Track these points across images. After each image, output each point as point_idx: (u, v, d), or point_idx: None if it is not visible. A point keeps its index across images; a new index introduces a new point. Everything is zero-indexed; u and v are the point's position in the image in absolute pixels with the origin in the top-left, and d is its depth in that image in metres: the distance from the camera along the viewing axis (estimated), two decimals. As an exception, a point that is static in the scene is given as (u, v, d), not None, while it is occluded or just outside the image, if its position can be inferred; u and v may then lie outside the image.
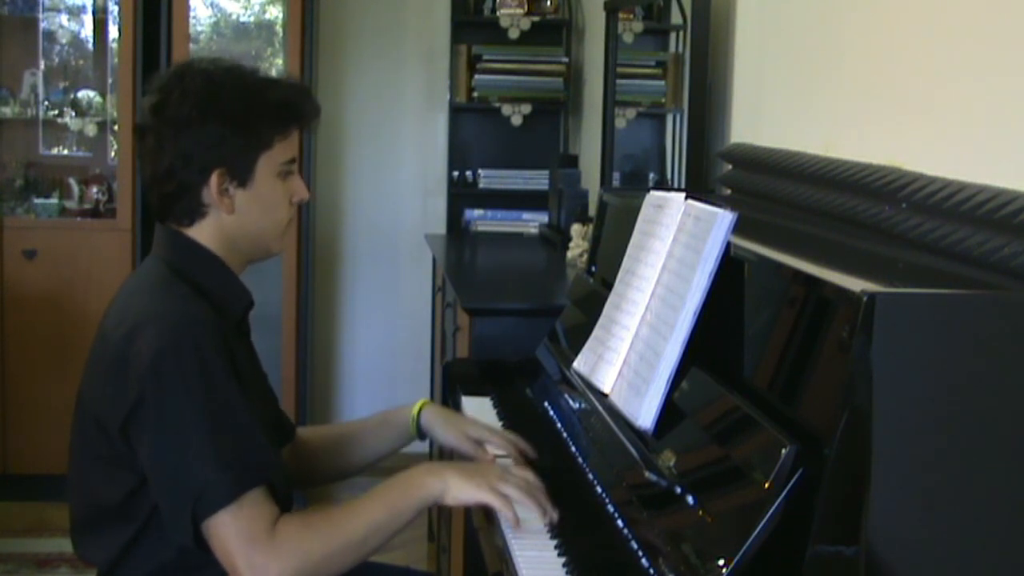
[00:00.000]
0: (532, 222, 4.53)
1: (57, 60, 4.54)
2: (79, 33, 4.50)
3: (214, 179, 1.70)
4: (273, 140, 1.73)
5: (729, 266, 1.63)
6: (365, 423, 2.10)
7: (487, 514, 1.79)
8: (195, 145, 1.68)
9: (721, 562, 1.28)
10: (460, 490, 1.67)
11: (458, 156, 4.65)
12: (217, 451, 1.57)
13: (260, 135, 1.72)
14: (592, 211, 3.52)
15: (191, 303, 1.66)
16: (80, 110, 4.40)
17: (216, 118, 1.68)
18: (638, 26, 3.83)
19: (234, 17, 4.79)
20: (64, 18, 4.41)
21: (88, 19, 4.47)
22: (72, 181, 4.40)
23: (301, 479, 2.01)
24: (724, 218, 1.63)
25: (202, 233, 1.74)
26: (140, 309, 1.66)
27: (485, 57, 4.56)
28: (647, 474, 1.58)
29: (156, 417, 1.59)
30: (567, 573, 1.54)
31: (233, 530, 1.57)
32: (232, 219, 1.73)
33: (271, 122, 1.72)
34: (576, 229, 3.49)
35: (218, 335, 1.63)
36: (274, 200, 1.75)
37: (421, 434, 2.02)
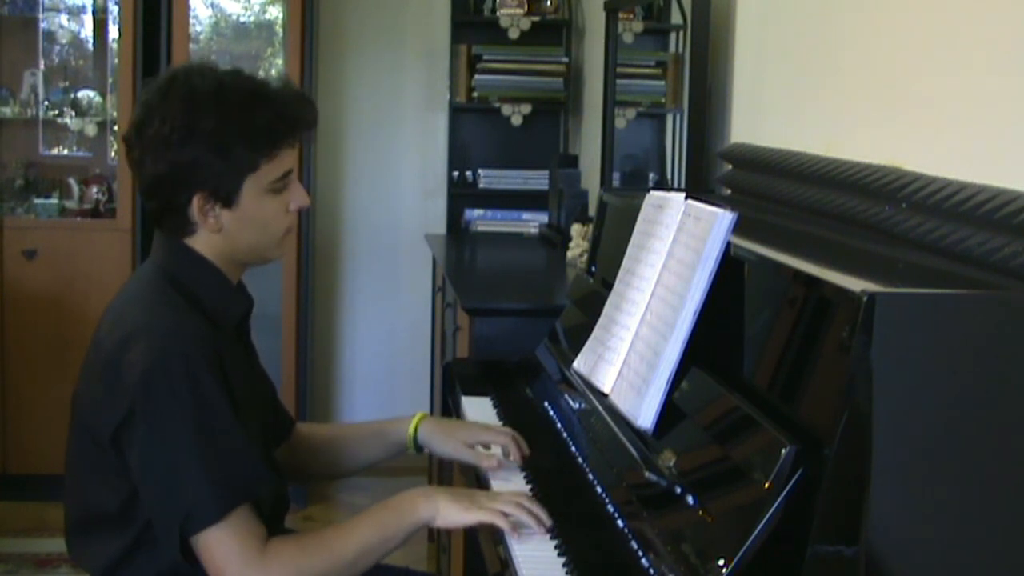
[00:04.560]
0: (532, 222, 4.52)
1: (57, 60, 4.53)
2: (79, 33, 4.49)
3: (195, 201, 1.67)
4: (259, 163, 1.67)
5: (729, 266, 1.63)
6: (361, 430, 2.10)
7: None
8: (174, 168, 1.64)
9: (721, 562, 1.28)
10: (450, 513, 1.68)
11: (458, 156, 4.64)
12: (206, 467, 1.57)
13: (243, 159, 1.66)
14: (592, 211, 3.52)
15: (184, 315, 1.65)
16: (80, 110, 4.40)
17: (195, 143, 1.63)
18: (638, 26, 3.82)
19: (234, 17, 4.79)
20: (64, 18, 4.40)
21: (88, 19, 4.46)
22: (72, 181, 4.40)
23: (295, 475, 2.01)
24: (724, 218, 1.63)
25: (197, 242, 1.72)
26: (133, 319, 1.65)
27: (485, 57, 4.55)
28: (647, 474, 1.58)
29: (145, 431, 1.58)
30: (567, 573, 1.54)
31: (225, 548, 1.57)
32: (220, 236, 1.70)
33: (256, 146, 1.66)
34: (576, 229, 3.49)
35: (210, 348, 1.62)
36: (264, 217, 1.71)
37: (419, 448, 2.02)
